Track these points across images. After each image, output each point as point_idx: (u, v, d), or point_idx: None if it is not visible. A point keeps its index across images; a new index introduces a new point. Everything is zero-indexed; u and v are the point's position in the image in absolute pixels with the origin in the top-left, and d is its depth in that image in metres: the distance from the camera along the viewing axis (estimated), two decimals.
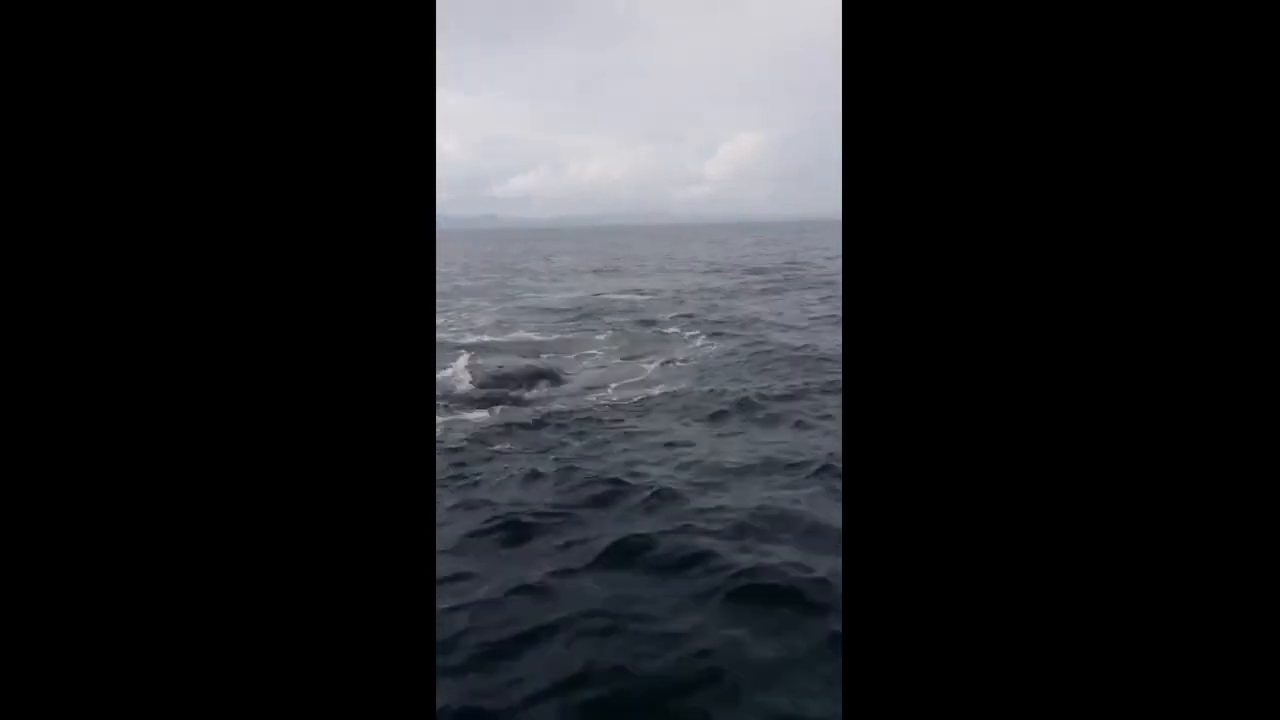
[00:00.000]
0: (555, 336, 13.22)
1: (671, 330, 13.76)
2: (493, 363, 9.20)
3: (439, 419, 7.85)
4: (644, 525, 4.74)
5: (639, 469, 5.92)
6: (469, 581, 4.04)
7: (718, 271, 29.11)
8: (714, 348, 11.69)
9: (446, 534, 4.70)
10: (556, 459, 6.19)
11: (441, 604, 3.72)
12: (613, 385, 9.17)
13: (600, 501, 5.35)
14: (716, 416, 7.54)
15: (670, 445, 6.58)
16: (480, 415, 7.84)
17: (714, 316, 15.34)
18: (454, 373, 9.44)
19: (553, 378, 9.30)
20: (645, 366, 10.42)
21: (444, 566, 4.16)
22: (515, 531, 4.74)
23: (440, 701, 3.00)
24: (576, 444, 6.73)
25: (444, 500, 5.32)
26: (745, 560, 4.13)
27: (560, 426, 7.39)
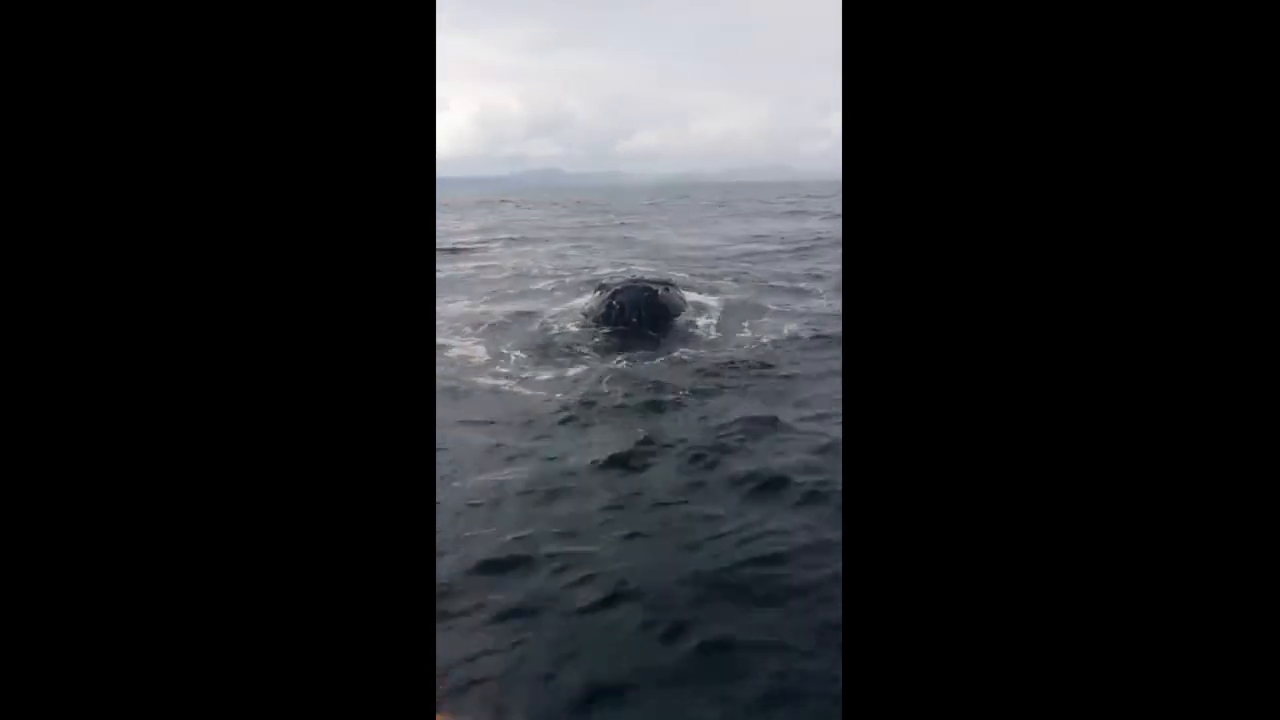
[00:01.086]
0: (679, 274, 13.58)
1: (793, 274, 13.94)
2: (618, 292, 9.58)
3: (573, 330, 8.61)
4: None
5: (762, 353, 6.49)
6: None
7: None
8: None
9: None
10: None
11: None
12: (746, 322, 9.67)
13: (723, 387, 6.20)
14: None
15: (787, 378, 7.05)
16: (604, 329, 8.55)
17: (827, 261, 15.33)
18: (584, 302, 10.17)
19: (675, 307, 9.77)
20: (765, 306, 10.80)
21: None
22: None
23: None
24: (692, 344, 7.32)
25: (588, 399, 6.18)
26: None
27: (673, 331, 8.10)
